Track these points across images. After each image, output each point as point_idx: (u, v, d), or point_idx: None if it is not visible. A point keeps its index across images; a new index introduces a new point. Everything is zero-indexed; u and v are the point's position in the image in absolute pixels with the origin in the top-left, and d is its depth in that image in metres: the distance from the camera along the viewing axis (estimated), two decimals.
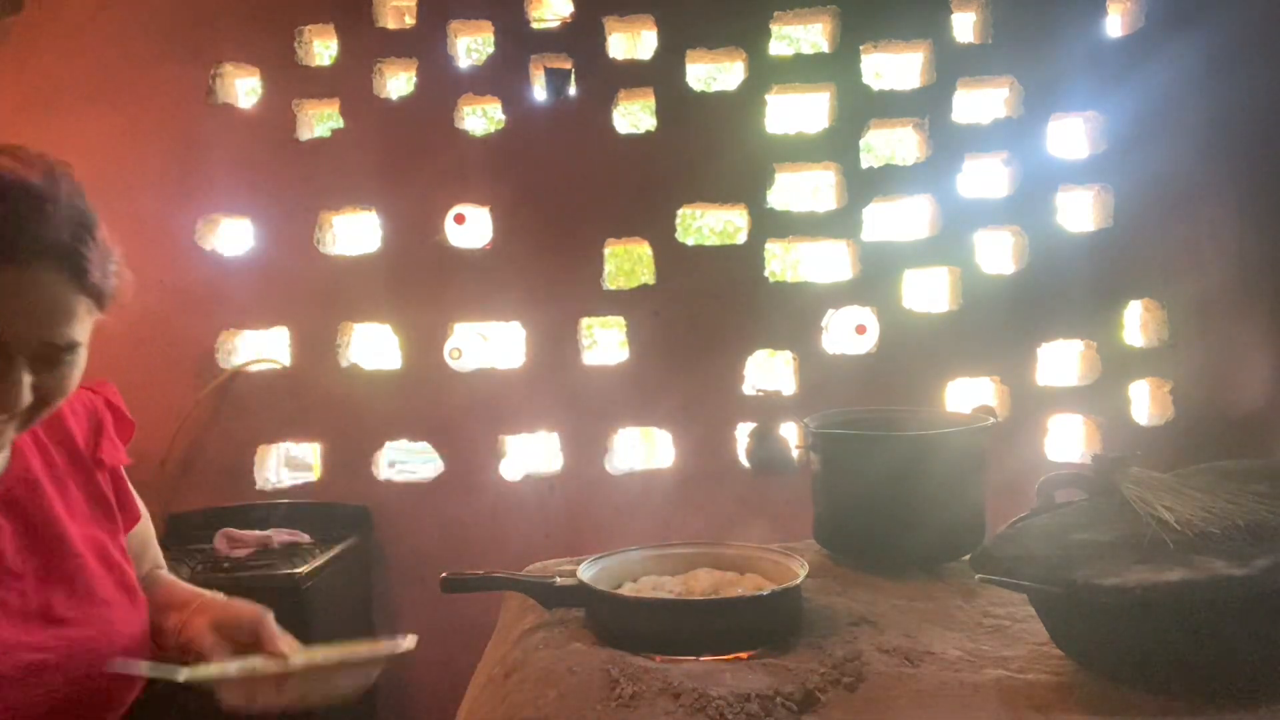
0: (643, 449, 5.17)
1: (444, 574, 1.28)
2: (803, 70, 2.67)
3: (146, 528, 1.27)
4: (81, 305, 0.94)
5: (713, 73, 5.94)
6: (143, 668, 1.01)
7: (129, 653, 1.05)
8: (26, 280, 0.89)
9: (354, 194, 2.64)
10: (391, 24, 2.67)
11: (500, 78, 2.63)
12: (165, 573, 1.29)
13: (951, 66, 2.59)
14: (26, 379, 0.91)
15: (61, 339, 0.93)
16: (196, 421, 2.60)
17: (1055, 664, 1.06)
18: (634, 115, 3.52)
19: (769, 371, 3.01)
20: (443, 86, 2.62)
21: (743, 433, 2.62)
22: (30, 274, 0.89)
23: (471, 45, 2.98)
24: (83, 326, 0.96)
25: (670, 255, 2.63)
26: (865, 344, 2.62)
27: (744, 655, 1.12)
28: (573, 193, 2.63)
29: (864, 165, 2.61)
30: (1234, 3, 2.54)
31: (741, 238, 2.66)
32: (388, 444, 2.68)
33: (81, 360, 0.98)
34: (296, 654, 1.03)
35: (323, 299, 2.63)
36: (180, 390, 2.59)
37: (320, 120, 2.82)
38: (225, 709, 1.02)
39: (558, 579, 1.29)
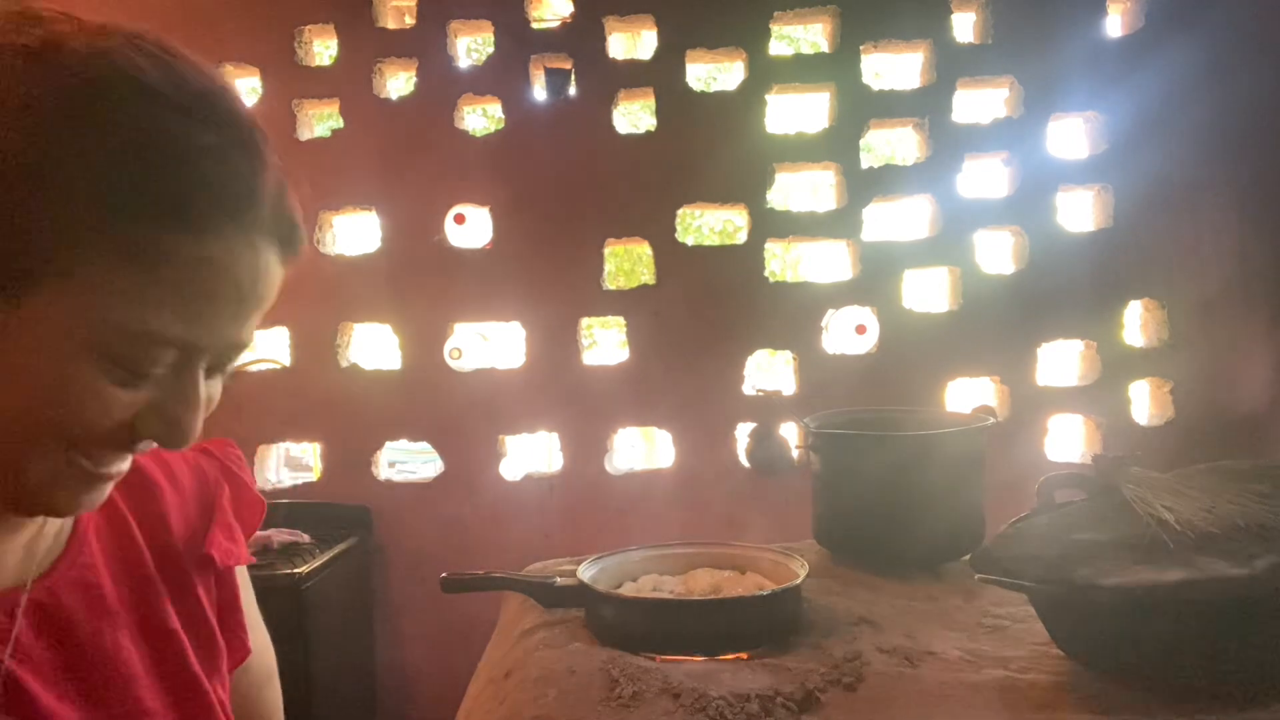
0: (643, 449, 5.18)
1: (444, 574, 1.28)
2: (803, 70, 2.67)
3: (262, 667, 0.84)
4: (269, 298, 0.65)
5: (713, 73, 5.94)
6: None
7: None
8: (247, 250, 0.59)
9: (354, 194, 2.64)
10: (391, 24, 2.67)
11: (500, 78, 2.63)
12: None
13: (951, 66, 2.59)
14: (198, 410, 0.61)
15: (246, 337, 0.63)
16: None
17: (1055, 664, 1.06)
18: (634, 115, 3.52)
19: (769, 371, 3.01)
20: (443, 86, 2.62)
21: (743, 433, 2.62)
22: (250, 239, 0.59)
23: (471, 45, 2.98)
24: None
25: (670, 255, 2.63)
26: (865, 344, 2.62)
27: (744, 655, 1.12)
28: (573, 193, 2.63)
29: (864, 165, 2.61)
30: (1234, 3, 2.54)
31: (741, 237, 2.66)
32: (388, 444, 2.68)
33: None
34: None
35: (323, 299, 2.63)
36: None
37: (320, 120, 2.82)
38: None
39: (558, 579, 1.29)
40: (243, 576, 0.83)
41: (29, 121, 0.51)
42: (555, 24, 2.65)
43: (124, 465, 0.61)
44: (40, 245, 0.52)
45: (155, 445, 0.60)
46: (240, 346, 0.63)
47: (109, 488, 0.62)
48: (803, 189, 4.19)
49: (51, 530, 0.67)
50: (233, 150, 0.58)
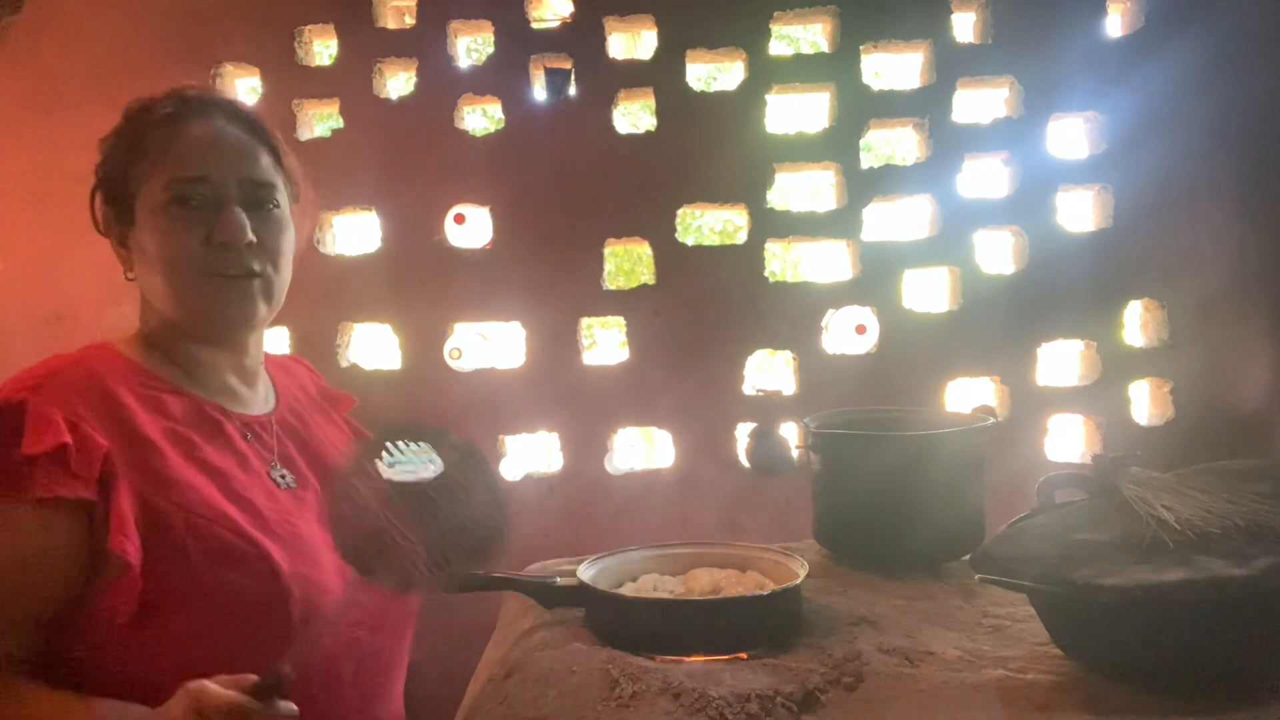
0: (643, 449, 5.18)
1: None
2: (803, 70, 2.67)
3: None
4: (263, 153, 1.20)
5: (713, 73, 5.95)
6: None
7: None
8: (214, 130, 1.15)
9: (354, 194, 2.64)
10: (391, 24, 2.67)
11: (500, 78, 2.63)
12: None
13: (951, 66, 2.58)
14: (241, 215, 1.16)
15: (256, 175, 1.18)
16: None
17: (1055, 664, 1.06)
18: (634, 115, 3.52)
19: (769, 371, 3.01)
20: (443, 86, 2.62)
21: (743, 433, 2.62)
22: (215, 124, 1.16)
23: (471, 45, 2.97)
24: (271, 175, 1.21)
25: (670, 255, 2.63)
26: (865, 344, 2.62)
27: (744, 655, 1.12)
28: (573, 193, 2.63)
29: (864, 165, 2.61)
30: (1234, 3, 2.54)
31: (741, 237, 2.66)
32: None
33: (286, 220, 1.24)
34: None
35: (323, 299, 2.63)
36: None
37: (320, 120, 2.82)
38: None
39: (558, 579, 1.29)
40: None
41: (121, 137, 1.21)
42: (555, 24, 2.65)
43: (240, 271, 1.18)
44: (133, 187, 1.16)
45: (230, 246, 1.16)
46: (255, 182, 1.19)
47: (252, 296, 1.20)
48: (803, 189, 4.19)
49: (266, 386, 1.31)
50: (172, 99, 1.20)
